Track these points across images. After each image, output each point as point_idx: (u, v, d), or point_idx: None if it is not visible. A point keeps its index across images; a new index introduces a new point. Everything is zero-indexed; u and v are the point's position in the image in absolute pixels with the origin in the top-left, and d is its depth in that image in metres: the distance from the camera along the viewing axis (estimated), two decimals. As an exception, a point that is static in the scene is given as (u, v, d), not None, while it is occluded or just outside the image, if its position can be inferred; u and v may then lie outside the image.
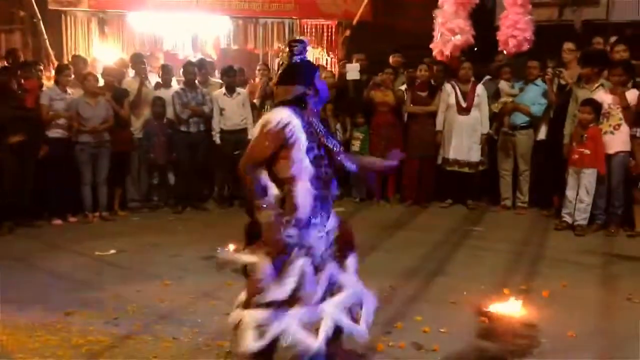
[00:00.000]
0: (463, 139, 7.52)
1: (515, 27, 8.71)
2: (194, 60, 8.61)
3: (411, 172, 7.77)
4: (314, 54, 10.13)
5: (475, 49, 9.34)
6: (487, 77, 7.94)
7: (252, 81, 8.47)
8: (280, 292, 2.82)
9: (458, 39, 8.76)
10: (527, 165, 7.33)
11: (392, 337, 3.81)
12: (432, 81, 7.86)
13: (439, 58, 8.55)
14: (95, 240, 6.14)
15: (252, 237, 2.96)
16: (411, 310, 4.30)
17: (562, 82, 7.11)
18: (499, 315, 4.11)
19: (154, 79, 8.20)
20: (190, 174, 7.55)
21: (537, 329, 3.94)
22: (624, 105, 6.30)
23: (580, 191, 6.37)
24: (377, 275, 5.00)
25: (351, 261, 3.11)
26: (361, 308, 3.09)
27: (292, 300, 2.85)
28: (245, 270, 2.96)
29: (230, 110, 7.59)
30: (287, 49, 2.93)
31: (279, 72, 3.00)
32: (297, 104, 2.89)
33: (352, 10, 10.19)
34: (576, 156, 6.40)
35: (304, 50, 2.93)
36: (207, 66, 8.48)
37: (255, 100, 7.86)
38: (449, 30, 8.75)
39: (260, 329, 2.83)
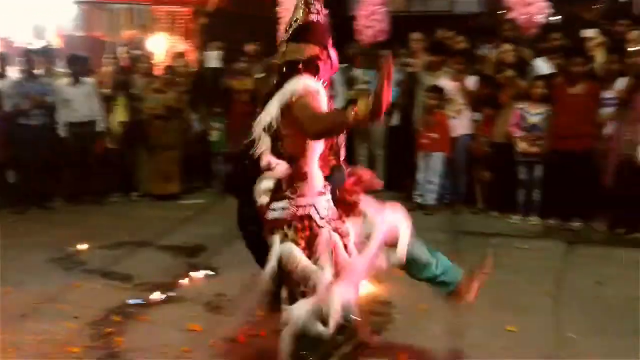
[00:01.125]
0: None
1: (372, 18, 9.00)
2: (35, 47, 7.98)
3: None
4: (169, 42, 9.81)
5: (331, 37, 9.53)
6: (342, 65, 8.09)
7: (100, 70, 8.01)
8: (323, 274, 2.61)
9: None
10: (381, 150, 7.60)
11: (253, 327, 3.77)
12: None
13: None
14: None
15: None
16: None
17: (411, 70, 7.44)
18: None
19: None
20: (33, 170, 6.98)
21: (391, 305, 4.09)
22: (465, 91, 6.73)
23: (430, 173, 6.72)
24: (239, 265, 4.91)
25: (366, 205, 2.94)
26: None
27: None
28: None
29: (77, 101, 7.10)
30: (304, 5, 2.67)
31: (293, 28, 2.69)
32: (310, 68, 2.64)
33: (208, -3, 10.01)
34: (425, 140, 6.74)
35: (320, 12, 2.70)
36: (50, 54, 7.89)
37: (105, 91, 7.46)
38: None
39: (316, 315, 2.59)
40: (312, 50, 2.65)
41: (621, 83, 5.84)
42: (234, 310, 4.08)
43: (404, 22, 9.64)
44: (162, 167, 7.47)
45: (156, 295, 4.31)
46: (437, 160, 6.70)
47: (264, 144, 2.64)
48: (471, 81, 6.79)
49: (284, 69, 2.68)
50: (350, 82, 7.73)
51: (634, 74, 5.70)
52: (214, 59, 8.03)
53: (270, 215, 2.67)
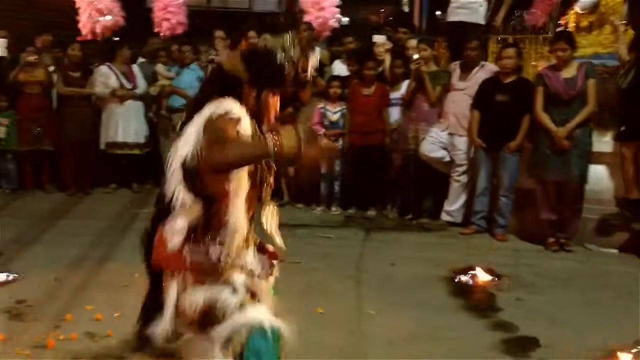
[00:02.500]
0: (131, 120, 7.43)
1: (167, 10, 8.86)
2: None
3: (69, 158, 7.35)
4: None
5: (128, 30, 9.24)
6: (142, 59, 7.92)
7: None
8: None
9: (107, 20, 8.54)
10: (188, 146, 7.57)
11: (62, 331, 3.62)
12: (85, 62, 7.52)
13: (90, 38, 8.25)
14: None
15: None
16: (81, 299, 4.12)
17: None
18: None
19: None
20: None
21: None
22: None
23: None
24: (39, 268, 4.69)
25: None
26: None
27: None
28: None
29: None
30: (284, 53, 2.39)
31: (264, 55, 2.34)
32: (243, 95, 2.22)
33: (-15, -19, 9.06)
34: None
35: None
36: None
37: None
38: (97, 11, 8.47)
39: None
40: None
41: (405, 86, 6.53)
42: (39, 316, 3.85)
43: (204, 18, 9.70)
44: (-61, 166, 6.69)
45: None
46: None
47: (175, 179, 2.16)
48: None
49: (220, 76, 2.28)
50: (153, 78, 7.59)
51: (414, 78, 6.41)
52: (1, 46, 7.33)
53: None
